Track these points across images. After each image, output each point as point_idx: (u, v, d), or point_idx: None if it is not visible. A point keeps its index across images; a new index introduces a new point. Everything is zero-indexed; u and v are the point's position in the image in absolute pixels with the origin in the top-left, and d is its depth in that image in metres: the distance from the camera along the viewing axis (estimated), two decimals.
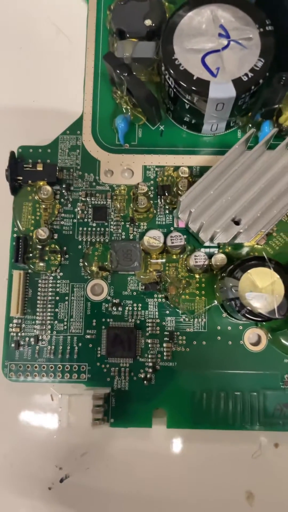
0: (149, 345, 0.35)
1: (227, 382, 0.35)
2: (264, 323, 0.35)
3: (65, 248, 0.37)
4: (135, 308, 0.36)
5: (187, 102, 0.35)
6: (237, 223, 0.35)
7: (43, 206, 0.37)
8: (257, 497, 0.35)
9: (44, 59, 0.42)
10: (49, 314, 0.36)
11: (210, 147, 0.38)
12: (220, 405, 0.34)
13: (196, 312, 0.35)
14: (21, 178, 0.37)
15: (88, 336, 0.35)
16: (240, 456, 0.35)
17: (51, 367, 0.35)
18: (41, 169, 0.37)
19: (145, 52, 0.37)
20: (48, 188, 0.36)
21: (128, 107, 0.38)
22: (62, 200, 0.37)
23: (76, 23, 0.41)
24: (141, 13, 0.38)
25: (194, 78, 0.34)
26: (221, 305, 0.35)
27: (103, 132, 0.38)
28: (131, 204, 0.37)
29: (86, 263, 0.36)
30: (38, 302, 0.36)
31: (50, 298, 0.36)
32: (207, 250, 0.36)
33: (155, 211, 0.37)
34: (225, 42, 0.35)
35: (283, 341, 0.35)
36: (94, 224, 0.37)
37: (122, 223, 0.37)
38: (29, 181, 0.37)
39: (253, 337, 0.35)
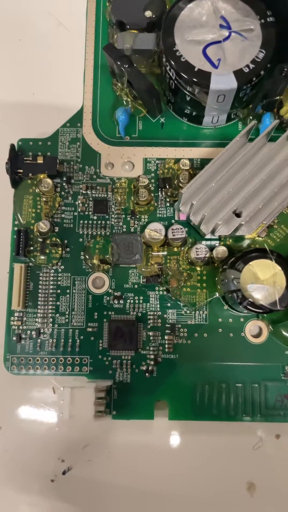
0: (151, 338, 0.35)
1: (228, 374, 0.35)
2: (265, 315, 0.35)
3: (66, 241, 0.36)
4: (137, 301, 0.36)
5: (188, 94, 0.35)
6: (238, 215, 0.35)
7: (44, 199, 0.37)
8: (258, 488, 0.35)
9: (43, 51, 0.42)
10: (50, 307, 0.36)
11: (211, 139, 0.38)
12: (222, 397, 0.34)
13: (197, 305, 0.35)
14: (21, 171, 0.36)
15: (90, 329, 0.35)
16: (241, 447, 0.36)
17: (53, 360, 0.35)
18: (42, 162, 0.37)
19: (145, 44, 0.36)
20: (49, 181, 0.36)
21: (129, 99, 0.38)
22: (63, 193, 0.37)
23: (76, 14, 0.41)
24: (141, 4, 0.37)
25: (195, 69, 0.33)
26: (223, 298, 0.35)
27: (104, 125, 0.38)
28: (132, 197, 0.37)
29: (87, 256, 0.36)
30: (40, 295, 0.36)
31: (51, 291, 0.36)
32: (208, 242, 0.36)
33: (156, 204, 0.37)
34: (226, 33, 0.34)
35: (284, 333, 0.35)
36: (95, 217, 0.37)
37: (123, 216, 0.37)
38: (30, 174, 0.37)
39: (254, 329, 0.36)
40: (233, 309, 0.35)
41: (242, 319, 0.35)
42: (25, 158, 0.37)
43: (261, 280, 0.31)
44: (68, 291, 0.36)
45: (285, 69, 0.33)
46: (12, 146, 0.36)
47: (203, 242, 0.36)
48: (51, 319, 0.36)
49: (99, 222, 0.37)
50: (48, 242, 0.36)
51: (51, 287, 0.36)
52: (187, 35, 0.35)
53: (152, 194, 0.37)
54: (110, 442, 0.36)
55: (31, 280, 0.36)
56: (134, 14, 0.37)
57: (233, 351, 0.35)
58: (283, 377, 0.35)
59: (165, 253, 0.36)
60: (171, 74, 0.34)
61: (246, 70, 0.33)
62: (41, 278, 0.36)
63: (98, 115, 0.38)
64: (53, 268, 0.36)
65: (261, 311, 0.32)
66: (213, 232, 0.35)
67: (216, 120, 0.37)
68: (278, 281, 0.31)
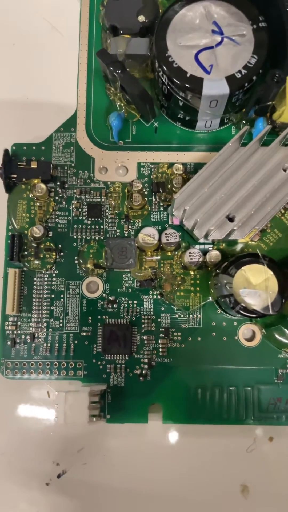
0: (145, 342, 0.35)
1: (222, 377, 0.35)
2: (258, 319, 0.35)
3: (60, 245, 0.37)
4: (131, 305, 0.36)
5: (181, 99, 0.35)
6: (231, 220, 0.35)
7: (38, 204, 0.37)
8: (252, 490, 0.35)
9: (37, 55, 0.42)
10: (44, 311, 0.36)
11: (204, 143, 0.38)
12: (215, 400, 0.35)
13: (191, 309, 0.36)
14: (15, 176, 0.37)
15: (84, 333, 0.36)
16: (235, 450, 0.36)
17: (47, 364, 0.35)
18: (35, 166, 0.37)
19: (138, 49, 0.36)
20: (43, 185, 0.36)
21: (122, 104, 0.38)
22: (57, 197, 0.37)
23: (69, 19, 0.41)
24: (134, 9, 0.37)
25: (188, 75, 0.34)
26: (216, 301, 0.36)
27: (97, 129, 0.38)
28: (125, 201, 0.37)
29: (81, 261, 0.36)
30: (34, 300, 0.36)
31: (45, 295, 0.36)
32: (202, 246, 0.36)
33: (149, 208, 0.37)
34: (218, 38, 0.35)
35: (277, 336, 0.35)
36: (89, 222, 0.37)
37: (117, 220, 0.37)
38: (23, 179, 0.37)
39: (248, 333, 0.36)
40: (227, 313, 0.35)
41: (235, 323, 0.36)
42: (19, 163, 0.37)
43: (253, 285, 0.32)
44: (62, 295, 0.36)
45: (277, 75, 0.33)
46: (6, 151, 0.36)
47: (197, 247, 0.36)
48: (45, 324, 0.36)
49: (93, 226, 0.37)
50: (42, 246, 0.36)
51: (45, 291, 0.36)
52: (179, 40, 0.35)
53: (146, 199, 0.37)
54: (104, 445, 0.36)
55: (25, 285, 0.36)
56: (127, 19, 0.37)
57: (227, 355, 0.35)
58: (276, 380, 0.35)
59: (158, 257, 0.36)
60: (163, 80, 0.35)
61: (238, 75, 0.33)
62: (35, 282, 0.36)
63: (92, 119, 0.39)
64: (47, 272, 0.36)
65: (253, 315, 0.32)
66: (206, 236, 0.35)
67: (209, 124, 0.37)
68: (270, 285, 0.31)
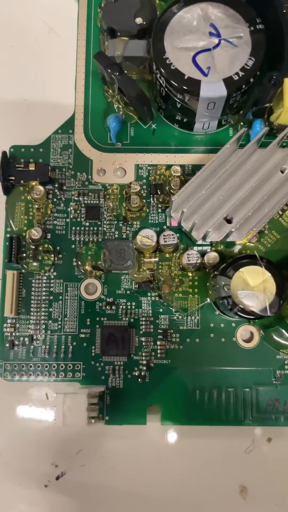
0: (143, 343, 0.35)
1: (220, 379, 0.35)
2: (256, 320, 0.35)
3: (58, 247, 0.37)
4: (129, 307, 0.36)
5: (178, 101, 0.35)
6: (229, 221, 0.35)
7: (36, 206, 0.37)
8: (250, 491, 0.36)
9: (35, 57, 0.42)
10: (43, 313, 0.36)
11: (202, 145, 0.38)
12: (214, 401, 0.35)
13: (189, 310, 0.36)
14: (13, 178, 0.37)
15: (83, 335, 0.36)
16: (234, 451, 0.36)
17: (46, 366, 0.35)
18: (34, 168, 0.37)
19: (136, 51, 0.37)
20: (41, 188, 0.36)
21: (120, 106, 0.38)
22: (55, 199, 0.37)
23: (67, 21, 0.41)
24: (131, 11, 0.37)
25: (185, 77, 0.34)
26: (214, 303, 0.36)
27: (95, 131, 0.39)
28: (123, 203, 0.37)
29: (79, 263, 0.36)
30: (32, 302, 0.36)
31: (44, 297, 0.36)
32: (200, 248, 0.36)
33: (147, 210, 0.37)
34: (216, 40, 0.35)
35: (275, 337, 0.35)
36: (87, 224, 0.37)
37: (115, 222, 0.37)
38: (22, 181, 0.37)
39: (246, 334, 0.36)
40: (225, 314, 0.35)
41: (233, 324, 0.36)
42: (17, 165, 0.37)
43: (251, 286, 0.32)
44: (60, 297, 0.36)
45: (274, 77, 0.33)
46: (4, 153, 0.37)
47: (195, 248, 0.36)
48: (43, 326, 0.36)
49: (91, 228, 0.37)
50: (40, 248, 0.36)
51: (44, 293, 0.36)
52: (177, 42, 0.35)
53: (144, 201, 0.37)
54: (103, 447, 0.36)
55: (23, 287, 0.36)
56: (125, 21, 0.37)
57: (225, 356, 0.35)
58: (274, 381, 0.35)
59: (157, 259, 0.36)
60: (161, 82, 0.35)
61: (236, 77, 0.34)
62: (33, 284, 0.36)
63: (90, 121, 0.39)
64: (46, 274, 0.36)
65: (251, 317, 0.32)
66: (204, 238, 0.35)
67: (207, 126, 0.37)
68: (268, 287, 0.32)
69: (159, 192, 0.37)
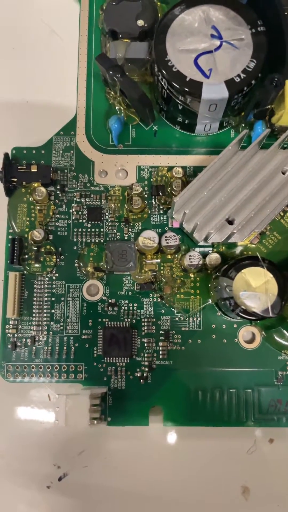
0: (145, 344, 0.35)
1: (222, 380, 0.35)
2: (258, 321, 0.35)
3: (60, 249, 0.37)
4: (131, 308, 0.36)
5: (180, 102, 0.35)
6: (231, 223, 0.35)
7: (38, 207, 0.37)
8: (253, 492, 0.36)
9: (37, 59, 0.42)
10: (45, 315, 0.36)
11: (204, 147, 0.38)
12: (215, 402, 0.35)
13: (191, 311, 0.36)
14: (15, 179, 0.37)
15: (85, 336, 0.36)
16: (236, 451, 0.36)
17: (48, 368, 0.35)
18: (35, 170, 0.37)
19: (138, 53, 0.37)
20: (43, 189, 0.36)
21: (122, 108, 0.38)
22: (57, 201, 0.38)
23: (69, 23, 0.41)
24: (133, 13, 0.38)
25: (187, 79, 0.34)
26: (216, 304, 0.36)
27: (97, 133, 0.39)
28: (125, 205, 0.37)
29: (81, 264, 0.36)
30: (34, 303, 0.36)
31: (46, 299, 0.36)
32: (202, 249, 0.37)
33: (149, 212, 0.37)
34: (217, 43, 0.35)
35: (277, 338, 0.35)
36: (89, 225, 0.37)
37: (117, 223, 0.37)
38: (24, 183, 0.37)
39: (248, 335, 0.36)
40: (227, 315, 0.35)
41: (235, 325, 0.36)
42: (19, 167, 0.37)
43: (253, 287, 0.32)
44: (62, 298, 0.36)
45: (276, 79, 0.33)
46: (6, 154, 0.37)
47: (196, 249, 0.36)
48: (46, 327, 0.36)
49: (93, 230, 0.37)
50: (42, 250, 0.37)
51: (46, 295, 0.36)
52: (178, 45, 0.35)
53: (146, 202, 0.37)
54: (105, 448, 0.36)
55: (25, 288, 0.36)
56: (126, 23, 0.37)
57: (227, 357, 0.35)
58: (276, 382, 0.35)
59: (158, 260, 0.36)
60: (163, 84, 0.35)
61: (237, 79, 0.34)
62: (35, 286, 0.36)
63: (92, 123, 0.39)
64: (48, 276, 0.36)
65: (253, 318, 0.32)
66: (206, 239, 0.35)
67: (209, 128, 0.37)
68: (270, 288, 0.32)
69: (160, 194, 0.37)
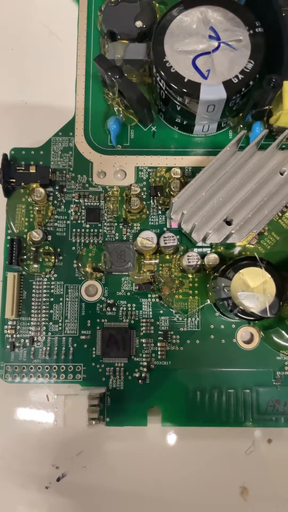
0: (144, 345, 0.35)
1: (221, 380, 0.35)
2: (256, 321, 0.35)
3: (59, 249, 0.37)
4: (129, 308, 0.36)
5: (178, 103, 0.35)
6: (229, 223, 0.35)
7: (37, 208, 0.37)
8: (251, 492, 0.36)
9: (35, 60, 0.42)
10: (43, 315, 0.36)
11: (202, 147, 0.38)
12: (214, 403, 0.35)
13: (189, 312, 0.36)
14: (14, 180, 0.37)
15: (83, 337, 0.36)
16: (234, 452, 0.36)
17: (47, 368, 0.35)
18: (34, 171, 0.37)
19: (136, 54, 0.37)
20: (41, 190, 0.36)
21: (120, 109, 0.38)
22: (56, 202, 0.38)
23: (68, 24, 0.41)
24: (131, 14, 0.38)
25: (185, 80, 0.34)
26: (214, 304, 0.36)
27: (96, 134, 0.39)
28: (124, 205, 0.37)
29: (80, 265, 0.36)
30: (33, 303, 0.36)
31: (44, 299, 0.36)
32: (200, 250, 0.37)
33: (148, 212, 0.37)
34: (215, 44, 0.35)
35: (275, 338, 0.35)
36: (88, 226, 0.37)
37: (115, 224, 0.37)
38: (22, 183, 0.37)
39: (246, 335, 0.36)
40: (225, 316, 0.36)
41: (233, 326, 0.36)
42: (17, 168, 0.37)
43: (251, 288, 0.32)
44: (61, 299, 0.36)
45: (274, 80, 0.33)
46: (5, 155, 0.37)
47: (195, 250, 0.36)
48: (44, 327, 0.36)
49: (92, 230, 0.37)
50: (41, 250, 0.37)
51: (44, 295, 0.36)
52: (177, 46, 0.35)
53: (144, 202, 0.37)
54: (104, 448, 0.36)
55: (24, 289, 0.36)
56: (125, 24, 0.38)
57: (225, 357, 0.35)
58: (274, 383, 0.35)
59: (157, 260, 0.36)
60: (161, 85, 0.35)
61: (235, 80, 0.34)
62: (34, 286, 0.36)
63: (90, 124, 0.39)
64: (46, 276, 0.36)
65: (251, 318, 0.32)
66: (204, 240, 0.35)
67: (207, 128, 0.38)
68: (268, 288, 0.32)
69: (159, 194, 0.37)
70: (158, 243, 0.36)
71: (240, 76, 0.34)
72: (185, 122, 0.37)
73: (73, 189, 0.38)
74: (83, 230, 0.37)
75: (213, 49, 0.35)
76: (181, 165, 0.38)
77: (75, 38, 0.40)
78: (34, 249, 0.36)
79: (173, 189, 0.36)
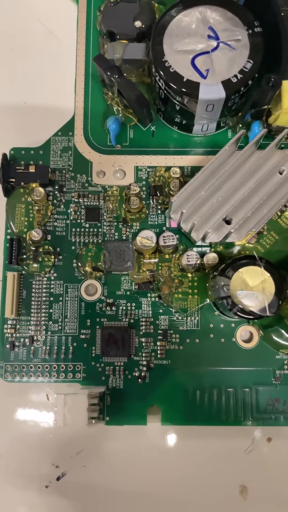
0: (143, 344, 0.36)
1: (220, 379, 0.35)
2: (255, 320, 0.35)
3: (58, 249, 0.37)
4: (129, 308, 0.36)
5: (177, 103, 0.35)
6: (228, 222, 0.35)
7: (36, 207, 0.37)
8: (251, 491, 0.36)
9: (35, 60, 0.42)
10: (43, 314, 0.36)
11: (201, 147, 0.38)
12: (213, 402, 0.35)
13: (189, 311, 0.36)
14: (13, 180, 0.37)
15: (83, 336, 0.36)
16: (234, 451, 0.36)
17: (46, 367, 0.35)
18: (34, 170, 0.37)
19: (135, 54, 0.37)
20: (41, 189, 0.36)
21: (119, 108, 0.38)
22: (55, 201, 0.38)
23: (67, 24, 0.41)
24: (131, 14, 0.38)
25: (184, 79, 0.34)
26: (213, 303, 0.36)
27: (95, 133, 0.39)
28: (123, 205, 0.37)
29: (79, 264, 0.36)
30: (33, 303, 0.36)
31: (44, 299, 0.36)
32: (199, 249, 0.37)
33: (147, 212, 0.37)
34: (214, 43, 0.35)
35: (274, 337, 0.35)
36: (87, 225, 0.37)
37: (115, 223, 0.37)
38: (22, 183, 0.37)
39: (245, 334, 0.36)
40: (224, 315, 0.36)
41: (233, 325, 0.36)
42: (17, 167, 0.37)
43: (250, 286, 0.32)
44: (60, 298, 0.36)
45: (273, 79, 0.33)
46: (4, 155, 0.37)
47: (194, 249, 0.36)
48: (44, 327, 0.36)
49: (91, 230, 0.37)
50: (40, 250, 0.37)
51: (44, 294, 0.36)
52: (176, 45, 0.35)
53: (144, 202, 0.37)
54: (103, 447, 0.36)
55: (24, 288, 0.36)
56: (124, 24, 0.38)
57: (225, 356, 0.35)
58: (274, 381, 0.35)
59: (156, 260, 0.36)
60: (160, 84, 0.35)
61: (234, 80, 0.34)
62: (34, 286, 0.36)
63: (90, 124, 0.39)
64: (46, 276, 0.37)
65: (251, 317, 0.32)
66: (203, 239, 0.35)
67: (206, 128, 0.38)
68: (267, 287, 0.32)
69: (158, 194, 0.37)
70: (157, 242, 0.36)
71: (239, 76, 0.34)
72: (184, 122, 0.37)
73: (72, 188, 0.38)
74: (82, 229, 0.37)
75: (212, 48, 0.35)
76: (181, 165, 0.38)
77: (74, 38, 0.40)
78: (33, 248, 0.37)
79: (172, 188, 0.37)
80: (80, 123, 0.39)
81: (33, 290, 0.36)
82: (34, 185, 0.37)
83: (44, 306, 0.36)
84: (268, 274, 0.32)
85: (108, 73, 0.35)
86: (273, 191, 0.35)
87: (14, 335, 0.36)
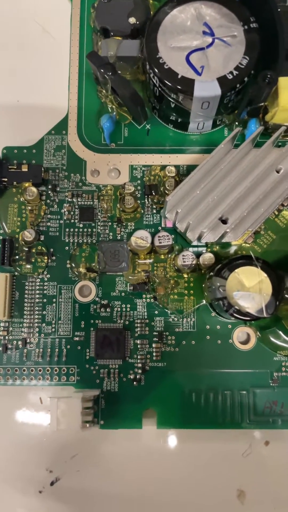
0: (138, 346, 0.35)
1: (217, 381, 0.35)
2: (252, 321, 0.35)
3: (52, 249, 0.36)
4: (124, 309, 0.35)
5: (172, 100, 0.35)
6: (224, 222, 0.35)
7: (29, 207, 0.37)
8: (248, 495, 0.35)
9: (28, 58, 0.41)
10: (36, 316, 0.35)
11: (197, 145, 0.38)
12: (210, 404, 0.34)
13: (185, 312, 0.35)
14: (6, 179, 0.36)
15: (77, 338, 0.35)
16: (231, 454, 0.35)
17: (40, 370, 0.35)
18: (26, 170, 0.36)
19: (129, 51, 0.36)
20: (34, 189, 0.36)
21: (114, 106, 0.37)
22: (48, 201, 0.37)
23: (60, 21, 0.40)
24: (125, 11, 0.37)
25: (179, 76, 0.33)
26: (210, 305, 0.35)
27: (89, 132, 0.38)
28: (118, 204, 0.37)
29: (73, 265, 0.36)
30: (26, 304, 0.36)
31: (37, 300, 0.36)
32: (195, 249, 0.36)
33: (142, 211, 0.37)
34: (209, 39, 0.34)
35: (272, 339, 0.35)
36: (81, 225, 0.37)
37: (109, 223, 0.37)
38: (14, 183, 0.36)
39: (242, 336, 0.35)
40: (221, 316, 0.35)
41: (229, 326, 0.35)
42: (9, 167, 0.36)
43: (247, 287, 0.31)
44: (54, 300, 0.36)
45: (269, 76, 0.33)
46: None
47: (190, 249, 0.36)
48: (37, 329, 0.35)
49: (85, 230, 0.37)
50: (33, 251, 0.36)
51: (37, 296, 0.36)
52: (170, 42, 0.34)
53: (138, 201, 0.37)
54: (98, 451, 0.35)
55: (16, 290, 0.36)
56: (118, 21, 0.37)
57: (222, 358, 0.35)
58: (271, 384, 0.35)
59: (151, 260, 0.36)
60: (155, 81, 0.34)
61: (230, 76, 0.33)
62: (27, 287, 0.36)
63: (83, 122, 0.38)
64: (39, 277, 0.36)
65: (247, 318, 0.31)
66: (199, 239, 0.35)
67: (202, 126, 0.37)
68: (264, 288, 0.31)
69: (153, 193, 0.37)
70: (152, 242, 0.35)
71: (235, 72, 0.33)
72: (179, 120, 0.37)
73: (66, 188, 0.37)
74: (76, 229, 0.37)
75: (207, 45, 0.34)
76: (176, 163, 0.37)
77: (68, 35, 0.40)
78: (26, 249, 0.36)
79: (167, 187, 0.36)
80: (73, 122, 0.38)
81: (26, 291, 0.36)
82: (27, 184, 0.36)
83: (37, 308, 0.36)
84: (265, 275, 0.31)
85: (102, 71, 0.34)
86: (270, 190, 0.35)
87: (6, 337, 0.35)
